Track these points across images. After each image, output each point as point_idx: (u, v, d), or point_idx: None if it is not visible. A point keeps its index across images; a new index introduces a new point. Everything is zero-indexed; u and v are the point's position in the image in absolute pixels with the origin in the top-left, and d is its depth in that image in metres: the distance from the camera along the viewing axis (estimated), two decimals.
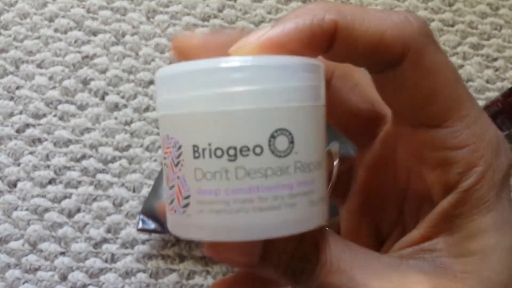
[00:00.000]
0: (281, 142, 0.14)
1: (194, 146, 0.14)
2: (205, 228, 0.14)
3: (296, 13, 0.15)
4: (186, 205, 0.14)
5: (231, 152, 0.13)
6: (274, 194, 0.14)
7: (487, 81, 0.56)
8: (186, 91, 0.14)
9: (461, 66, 0.57)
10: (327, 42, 0.15)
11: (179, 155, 0.14)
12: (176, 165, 0.14)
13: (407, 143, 0.17)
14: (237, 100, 0.13)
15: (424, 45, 0.15)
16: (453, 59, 0.57)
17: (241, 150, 0.13)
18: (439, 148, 0.16)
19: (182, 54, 0.17)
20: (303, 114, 0.14)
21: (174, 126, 0.14)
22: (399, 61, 0.15)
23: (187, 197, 0.14)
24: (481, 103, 0.55)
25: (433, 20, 0.58)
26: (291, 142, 0.14)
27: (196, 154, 0.14)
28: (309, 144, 0.14)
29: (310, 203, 0.14)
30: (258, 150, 0.13)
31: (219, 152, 0.13)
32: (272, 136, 0.14)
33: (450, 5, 0.59)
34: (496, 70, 0.57)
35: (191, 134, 0.14)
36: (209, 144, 0.14)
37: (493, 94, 0.55)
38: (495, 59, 0.57)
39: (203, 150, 0.14)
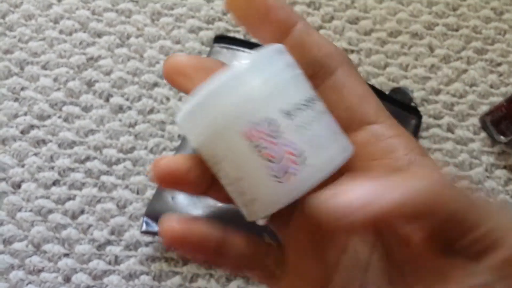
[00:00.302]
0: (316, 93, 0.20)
1: (286, 111, 0.18)
2: (322, 165, 0.18)
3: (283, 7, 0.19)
4: (304, 160, 0.18)
5: (308, 102, 0.19)
6: (336, 127, 0.19)
7: (491, 86, 0.56)
8: (250, 82, 0.18)
9: (465, 71, 0.57)
10: (286, 31, 0.19)
11: (277, 128, 0.18)
12: (277, 137, 0.18)
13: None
14: (284, 72, 0.19)
15: (351, 62, 0.20)
16: (457, 64, 0.57)
17: (310, 99, 0.19)
18: (381, 138, 0.20)
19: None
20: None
21: (259, 111, 0.18)
22: (334, 70, 0.20)
23: (301, 153, 0.18)
24: (485, 108, 0.55)
25: (437, 24, 0.58)
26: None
27: (291, 117, 0.18)
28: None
29: None
30: (315, 98, 0.19)
31: (302, 106, 0.18)
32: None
33: (454, 9, 0.59)
34: (500, 75, 0.57)
35: (277, 106, 0.18)
36: (294, 104, 0.18)
37: (497, 99, 0.55)
38: (499, 64, 0.57)
39: (293, 110, 0.18)
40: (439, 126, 0.54)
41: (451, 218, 0.16)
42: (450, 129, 0.54)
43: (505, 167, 0.53)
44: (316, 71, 0.20)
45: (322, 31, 0.57)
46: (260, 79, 0.18)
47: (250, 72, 0.18)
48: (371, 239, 0.20)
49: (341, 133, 0.19)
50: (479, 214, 0.17)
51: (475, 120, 0.55)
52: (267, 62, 0.18)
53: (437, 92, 0.55)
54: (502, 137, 0.53)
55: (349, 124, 0.20)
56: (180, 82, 0.20)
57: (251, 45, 0.51)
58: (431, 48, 0.57)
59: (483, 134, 0.54)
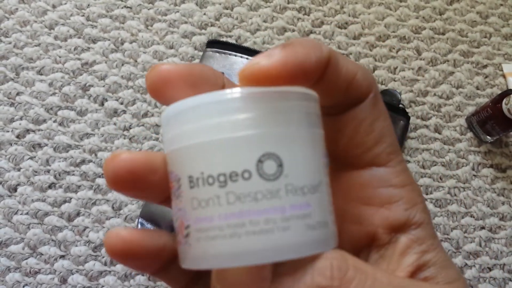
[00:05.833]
0: (269, 166, 0.14)
1: (189, 176, 0.14)
2: (204, 256, 0.14)
3: (302, 43, 0.16)
4: (187, 235, 0.14)
5: (221, 178, 0.14)
6: (265, 218, 0.14)
7: (477, 88, 0.58)
8: (180, 126, 0.15)
9: (452, 73, 0.58)
10: (321, 72, 0.16)
11: (179, 187, 0.15)
12: (178, 197, 0.15)
13: (349, 187, 0.18)
14: (224, 129, 0.14)
15: (379, 91, 0.18)
16: (444, 66, 0.58)
17: (230, 176, 0.14)
18: (384, 185, 0.18)
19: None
20: (291, 138, 0.15)
21: (173, 160, 0.15)
22: (362, 99, 0.18)
23: (187, 227, 0.14)
24: (471, 109, 0.57)
25: (424, 28, 0.60)
26: (280, 165, 0.14)
27: (191, 184, 0.14)
28: (300, 167, 0.14)
29: (306, 227, 0.14)
30: (246, 174, 0.14)
31: (210, 180, 0.14)
32: (260, 161, 0.14)
33: (441, 13, 0.61)
34: (486, 76, 0.58)
35: (186, 166, 0.15)
36: (202, 173, 0.14)
37: (483, 100, 0.57)
38: (484, 66, 0.59)
39: (197, 179, 0.14)
40: (426, 126, 0.55)
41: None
42: (437, 130, 0.55)
43: (491, 166, 0.55)
44: (341, 103, 0.18)
45: (312, 36, 0.58)
46: (207, 122, 0.15)
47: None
48: None
49: (285, 229, 0.14)
50: None
51: (461, 121, 0.56)
52: (245, 102, 0.14)
53: (425, 93, 0.57)
54: (488, 137, 0.54)
55: (357, 161, 0.18)
56: (166, 93, 0.16)
57: (243, 50, 0.52)
58: (419, 51, 0.59)
59: (469, 134, 0.56)
